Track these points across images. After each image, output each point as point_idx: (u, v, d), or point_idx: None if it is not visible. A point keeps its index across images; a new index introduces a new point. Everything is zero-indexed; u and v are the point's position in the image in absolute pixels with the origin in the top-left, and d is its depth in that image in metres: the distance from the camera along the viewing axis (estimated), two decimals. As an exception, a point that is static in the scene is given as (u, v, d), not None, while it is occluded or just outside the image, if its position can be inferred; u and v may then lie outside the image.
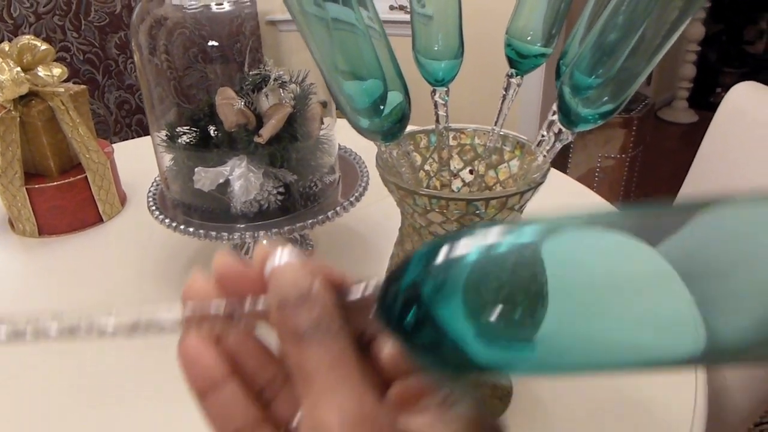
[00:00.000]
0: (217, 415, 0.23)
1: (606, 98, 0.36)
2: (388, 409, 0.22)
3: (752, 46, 3.11)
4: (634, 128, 1.92)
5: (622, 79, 0.36)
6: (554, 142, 0.40)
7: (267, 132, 0.60)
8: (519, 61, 0.46)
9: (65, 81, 0.82)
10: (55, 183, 0.80)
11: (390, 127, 0.39)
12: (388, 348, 0.24)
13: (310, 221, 0.62)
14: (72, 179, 0.81)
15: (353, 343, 0.22)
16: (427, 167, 0.49)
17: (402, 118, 0.40)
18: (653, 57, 0.34)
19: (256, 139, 0.60)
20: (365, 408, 0.20)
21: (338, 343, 0.21)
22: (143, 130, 2.24)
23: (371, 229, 0.80)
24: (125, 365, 0.59)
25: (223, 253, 0.24)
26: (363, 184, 0.69)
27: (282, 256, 0.22)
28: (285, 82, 0.62)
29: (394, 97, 0.39)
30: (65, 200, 0.81)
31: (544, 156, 0.41)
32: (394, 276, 0.22)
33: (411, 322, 0.20)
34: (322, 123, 0.67)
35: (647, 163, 2.11)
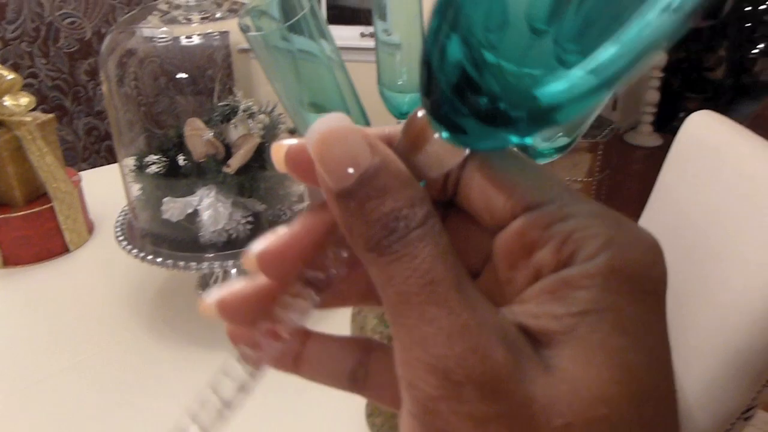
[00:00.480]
0: (319, 376, 0.20)
1: (561, 133, 0.38)
2: (499, 316, 0.15)
3: (712, 73, 3.23)
4: (600, 152, 1.97)
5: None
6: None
7: (236, 162, 0.60)
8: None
9: (33, 108, 0.82)
10: (21, 213, 0.79)
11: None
12: (476, 178, 0.17)
13: (280, 250, 0.62)
14: (38, 209, 0.80)
15: (445, 235, 0.15)
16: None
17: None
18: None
19: (225, 169, 0.60)
20: (472, 340, 0.14)
21: (430, 247, 0.15)
22: (112, 157, 2.22)
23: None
24: (131, 370, 0.59)
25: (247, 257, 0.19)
26: (332, 212, 0.70)
27: (324, 123, 0.15)
28: (254, 112, 0.63)
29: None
30: (31, 230, 0.80)
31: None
32: (430, 86, 0.16)
33: (484, 105, 0.15)
34: (291, 152, 0.67)
35: (614, 185, 2.16)
